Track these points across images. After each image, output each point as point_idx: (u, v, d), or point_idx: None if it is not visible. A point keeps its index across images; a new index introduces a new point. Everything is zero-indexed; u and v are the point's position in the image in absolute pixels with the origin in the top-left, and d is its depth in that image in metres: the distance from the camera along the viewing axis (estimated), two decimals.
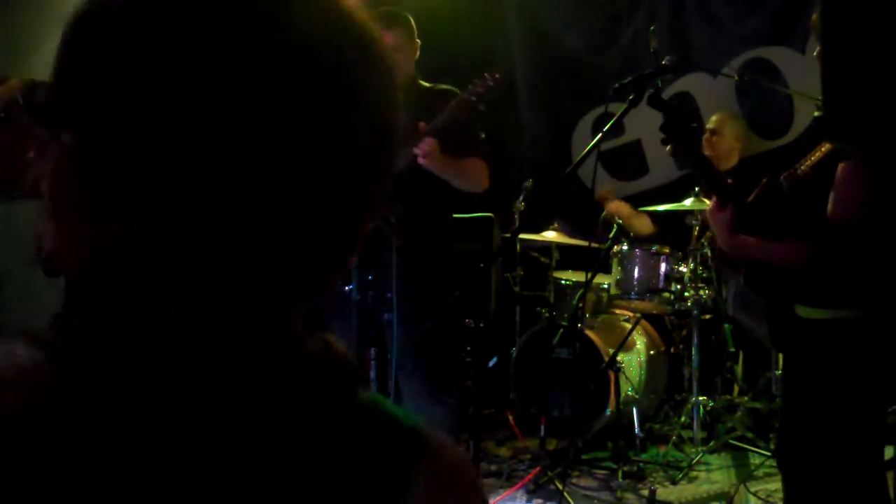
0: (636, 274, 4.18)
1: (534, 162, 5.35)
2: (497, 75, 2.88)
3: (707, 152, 4.34)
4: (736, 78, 4.58)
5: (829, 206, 2.03)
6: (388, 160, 0.61)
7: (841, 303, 2.11)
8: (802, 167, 2.29)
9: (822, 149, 2.24)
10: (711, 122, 4.39)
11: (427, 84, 3.23)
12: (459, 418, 3.37)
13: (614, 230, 4.07)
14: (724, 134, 4.34)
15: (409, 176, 3.02)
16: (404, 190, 3.05)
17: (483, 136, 3.17)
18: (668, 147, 2.12)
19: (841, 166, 2.03)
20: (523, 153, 5.48)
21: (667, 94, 4.55)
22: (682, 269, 4.14)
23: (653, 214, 4.45)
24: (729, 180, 2.22)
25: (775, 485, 3.64)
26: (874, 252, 2.07)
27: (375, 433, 0.58)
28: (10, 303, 4.10)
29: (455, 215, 3.35)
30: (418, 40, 3.22)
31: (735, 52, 4.72)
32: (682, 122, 2.10)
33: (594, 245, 4.26)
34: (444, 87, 3.17)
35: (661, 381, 4.45)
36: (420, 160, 2.92)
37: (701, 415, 4.12)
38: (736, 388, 4.39)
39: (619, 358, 3.95)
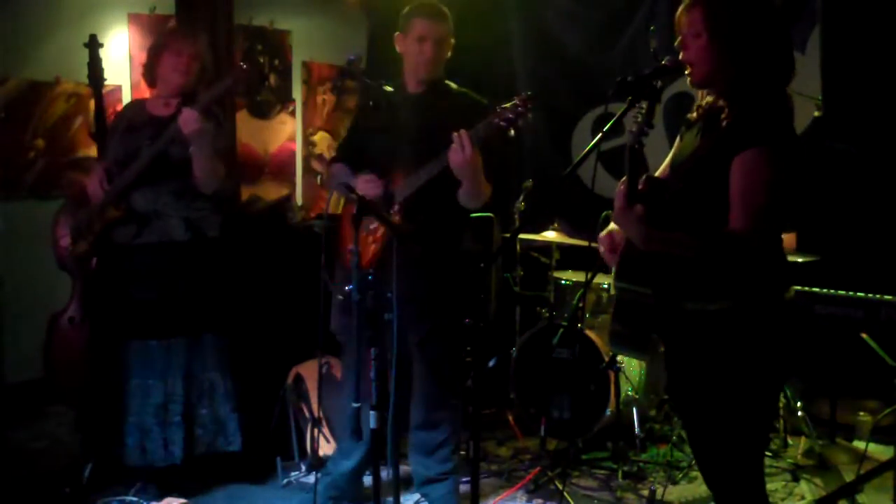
0: None
1: (534, 162, 5.35)
2: (525, 97, 2.77)
3: None
4: None
5: (737, 197, 1.97)
6: None
7: (727, 293, 2.07)
8: (677, 165, 2.22)
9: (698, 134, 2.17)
10: None
11: (454, 86, 3.19)
12: (461, 418, 3.37)
13: None
14: None
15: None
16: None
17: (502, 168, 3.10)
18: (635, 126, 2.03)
19: (738, 159, 1.97)
20: (523, 153, 5.47)
21: (666, 94, 4.53)
22: None
23: None
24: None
25: (774, 485, 3.64)
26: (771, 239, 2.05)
27: None
28: (11, 302, 4.10)
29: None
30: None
31: None
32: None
33: (594, 245, 4.24)
34: (472, 96, 3.13)
35: (661, 381, 4.44)
36: (456, 153, 2.83)
37: None
38: None
39: (619, 358, 3.95)
